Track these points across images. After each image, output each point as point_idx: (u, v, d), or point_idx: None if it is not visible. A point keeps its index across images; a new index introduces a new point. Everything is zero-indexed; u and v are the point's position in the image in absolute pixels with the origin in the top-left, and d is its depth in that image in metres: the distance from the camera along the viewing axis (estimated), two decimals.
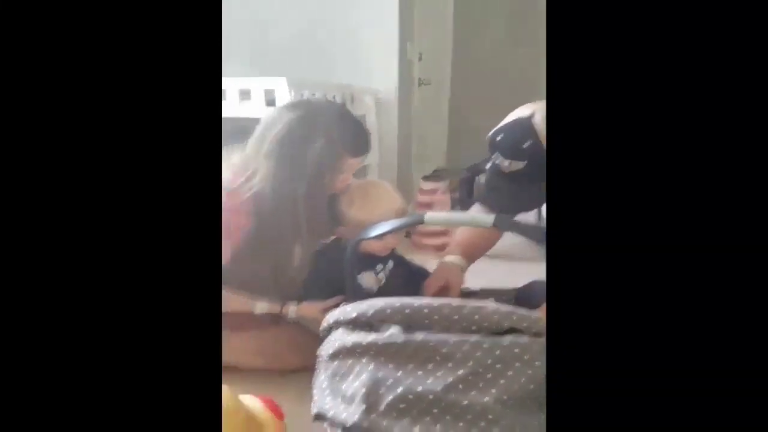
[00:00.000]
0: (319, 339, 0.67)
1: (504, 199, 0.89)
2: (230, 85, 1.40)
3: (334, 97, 1.66)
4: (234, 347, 0.87)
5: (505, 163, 0.84)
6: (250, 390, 0.69)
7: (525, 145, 0.81)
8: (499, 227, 0.67)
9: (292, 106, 0.90)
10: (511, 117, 0.86)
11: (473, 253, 0.98)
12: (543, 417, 0.55)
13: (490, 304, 0.60)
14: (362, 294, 0.94)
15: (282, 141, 0.84)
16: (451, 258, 0.95)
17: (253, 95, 1.39)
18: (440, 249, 1.76)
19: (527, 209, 0.90)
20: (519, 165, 0.82)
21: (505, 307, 0.59)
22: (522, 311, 0.59)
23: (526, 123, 0.81)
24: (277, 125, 0.85)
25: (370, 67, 1.98)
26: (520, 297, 1.03)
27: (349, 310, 0.62)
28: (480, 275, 1.07)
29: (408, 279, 1.08)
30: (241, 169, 0.87)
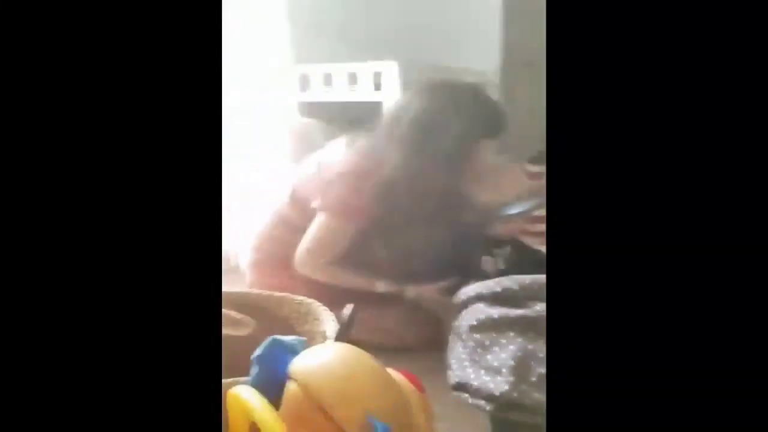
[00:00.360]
0: (451, 314, 0.69)
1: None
2: (338, 69, 1.45)
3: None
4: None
5: None
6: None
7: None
8: None
9: (428, 89, 0.88)
10: None
11: None
12: None
13: None
14: (481, 277, 0.94)
15: (417, 125, 0.83)
16: None
17: (360, 79, 1.42)
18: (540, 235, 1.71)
19: None
20: None
21: None
22: None
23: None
24: (411, 109, 0.85)
25: (470, 48, 1.94)
26: None
27: (492, 284, 0.63)
28: None
29: (526, 264, 1.07)
30: (369, 152, 0.88)
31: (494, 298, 0.63)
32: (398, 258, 0.95)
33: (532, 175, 1.75)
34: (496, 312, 0.61)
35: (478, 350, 0.61)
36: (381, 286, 0.94)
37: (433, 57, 1.91)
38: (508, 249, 1.04)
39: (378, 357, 0.90)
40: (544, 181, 1.80)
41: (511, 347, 0.57)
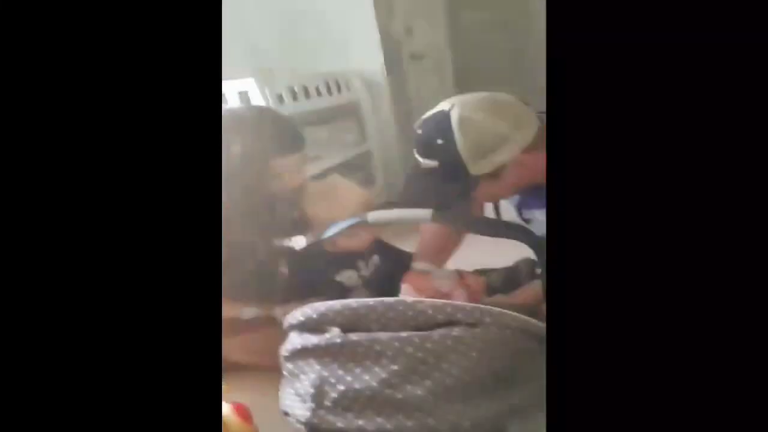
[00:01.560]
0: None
1: (421, 196, 0.81)
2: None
3: (317, 88, 1.67)
4: (226, 347, 0.94)
5: (420, 160, 0.79)
6: (244, 387, 0.74)
7: (438, 143, 0.75)
8: (437, 221, 0.68)
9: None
10: (435, 108, 0.80)
11: (439, 255, 0.98)
12: (488, 404, 0.57)
13: (426, 300, 0.62)
14: (343, 293, 0.98)
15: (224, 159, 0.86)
16: (419, 266, 0.95)
17: (229, 99, 1.42)
18: None
19: (446, 207, 0.77)
20: (432, 163, 0.77)
21: (440, 302, 0.61)
22: (457, 303, 0.61)
23: (442, 118, 0.75)
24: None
25: (352, 50, 1.96)
26: (508, 276, 1.04)
27: (298, 314, 0.66)
28: (476, 253, 1.09)
29: (395, 270, 1.11)
30: None
31: (301, 327, 0.66)
32: (259, 280, 0.98)
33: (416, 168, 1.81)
34: (300, 341, 0.64)
35: (291, 378, 0.65)
36: (247, 312, 0.97)
37: (319, 64, 1.92)
38: (375, 258, 1.08)
39: (251, 378, 0.92)
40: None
41: (312, 375, 0.61)
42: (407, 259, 1.15)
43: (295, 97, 1.52)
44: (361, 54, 1.95)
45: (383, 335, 0.59)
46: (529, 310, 0.71)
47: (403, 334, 0.59)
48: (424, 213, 0.68)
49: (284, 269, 1.00)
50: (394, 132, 2.08)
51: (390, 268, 1.09)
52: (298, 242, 1.05)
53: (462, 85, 2.75)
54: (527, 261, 1.02)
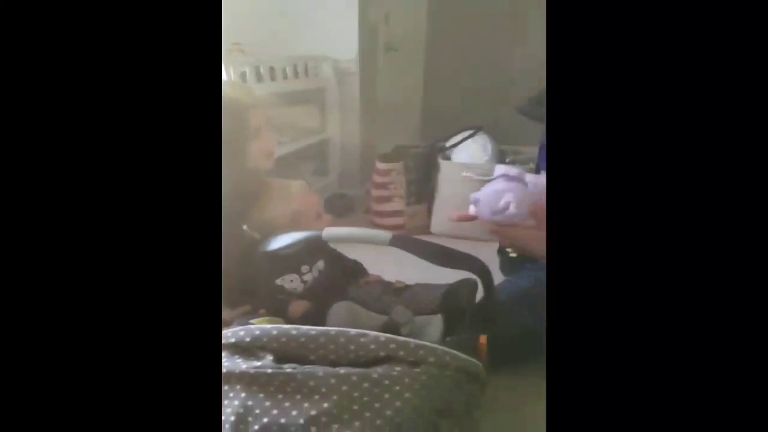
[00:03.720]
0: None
1: (539, 108, 0.82)
2: None
3: (284, 69, 1.58)
4: None
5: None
6: None
7: None
8: (395, 245, 0.65)
9: None
10: None
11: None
12: None
13: (371, 333, 0.59)
14: (284, 297, 0.93)
15: None
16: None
17: None
18: (389, 216, 1.76)
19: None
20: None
21: (384, 336, 0.59)
22: (400, 339, 0.59)
23: None
24: None
25: (330, 33, 1.88)
26: (448, 294, 1.04)
27: (229, 334, 0.61)
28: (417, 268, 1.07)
29: (338, 277, 1.08)
30: None
31: (231, 348, 0.61)
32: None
33: (379, 172, 1.78)
34: (228, 365, 0.59)
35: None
36: None
37: (294, 49, 1.82)
38: (320, 263, 1.04)
39: None
40: (386, 179, 1.81)
41: (235, 402, 0.57)
42: (354, 267, 1.12)
43: (260, 78, 1.43)
44: (336, 40, 1.87)
45: (320, 370, 0.56)
46: (472, 343, 0.71)
47: (341, 370, 0.56)
48: (382, 235, 0.65)
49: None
50: (357, 122, 2.02)
51: (332, 275, 1.06)
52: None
53: (430, 84, 2.74)
54: (471, 280, 1.03)
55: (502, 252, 1.52)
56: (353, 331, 0.59)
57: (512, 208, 0.73)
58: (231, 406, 0.57)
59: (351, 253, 1.13)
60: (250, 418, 0.55)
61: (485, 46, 2.62)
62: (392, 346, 0.58)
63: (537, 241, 0.74)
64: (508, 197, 0.73)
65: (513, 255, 1.44)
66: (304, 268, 0.97)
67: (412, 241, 0.68)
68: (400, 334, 0.62)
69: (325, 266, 1.02)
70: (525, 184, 0.76)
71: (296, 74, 1.65)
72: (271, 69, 1.49)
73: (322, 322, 0.86)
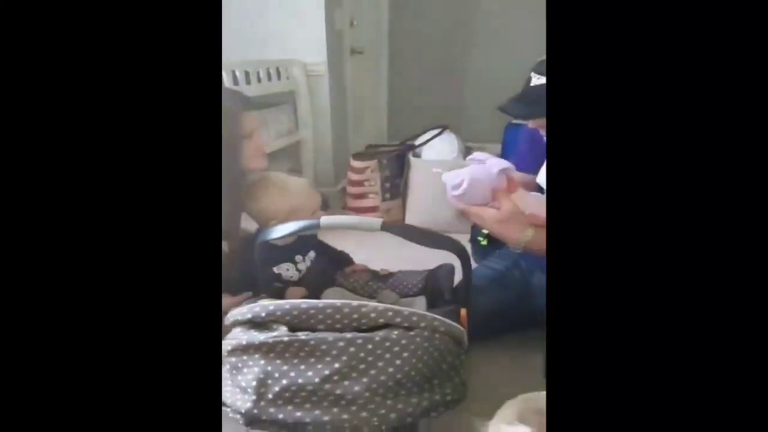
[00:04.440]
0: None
1: (521, 106, 0.90)
2: None
3: (257, 73, 1.64)
4: None
5: (534, 77, 0.87)
6: None
7: None
8: (385, 230, 0.74)
9: None
10: None
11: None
12: (414, 400, 0.65)
13: (371, 303, 0.68)
14: (280, 286, 1.00)
15: None
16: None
17: None
18: (365, 212, 1.84)
19: (537, 116, 0.89)
20: (542, 80, 0.85)
21: (382, 306, 0.68)
22: (397, 308, 0.68)
23: None
24: None
25: (299, 39, 1.95)
26: (430, 277, 1.14)
27: (245, 311, 0.69)
28: (400, 256, 1.16)
29: (329, 266, 1.16)
30: None
31: (246, 323, 0.69)
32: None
33: (354, 170, 1.87)
34: (245, 338, 0.67)
35: (233, 371, 0.67)
36: None
37: (265, 54, 1.87)
38: (311, 254, 1.12)
39: None
40: (362, 177, 1.89)
41: (255, 369, 0.64)
42: (341, 257, 1.20)
43: (235, 81, 1.48)
44: (304, 45, 1.94)
45: (330, 335, 0.64)
46: (455, 315, 0.81)
47: (348, 335, 0.64)
48: (374, 222, 0.74)
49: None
50: (328, 123, 2.10)
51: (324, 265, 1.14)
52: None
53: (395, 85, 2.85)
54: (448, 266, 1.13)
55: (473, 241, 1.64)
56: (355, 302, 0.67)
57: (465, 184, 0.81)
58: (251, 372, 0.65)
59: (338, 245, 1.21)
60: (269, 381, 0.63)
61: (444, 49, 2.76)
62: (390, 313, 0.67)
63: (496, 221, 0.83)
64: (463, 175, 0.82)
65: (483, 243, 1.57)
66: (298, 258, 1.05)
67: (400, 226, 0.77)
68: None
69: (316, 256, 1.10)
70: (484, 164, 0.84)
71: (269, 77, 1.71)
72: (246, 73, 1.55)
73: None
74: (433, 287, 1.11)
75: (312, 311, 0.66)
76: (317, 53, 1.97)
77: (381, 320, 0.67)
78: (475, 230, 1.57)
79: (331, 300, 0.67)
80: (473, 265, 1.35)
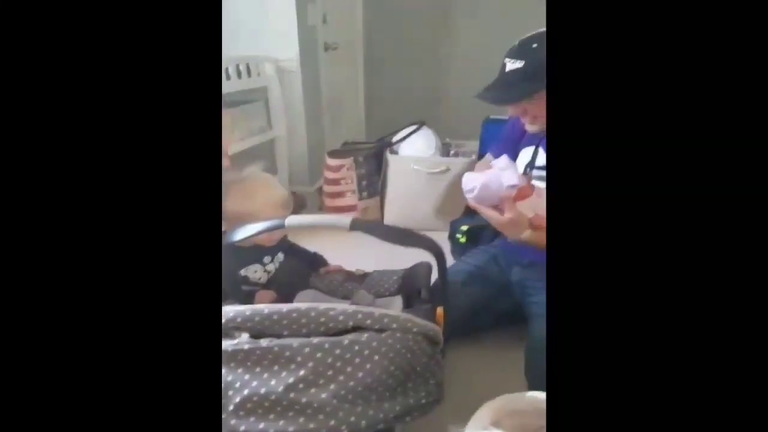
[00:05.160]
0: None
1: (498, 92, 0.94)
2: None
3: (227, 69, 1.58)
4: None
5: (508, 62, 0.91)
6: None
7: (533, 46, 0.88)
8: (354, 229, 0.71)
9: None
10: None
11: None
12: (386, 405, 0.61)
13: (339, 306, 0.64)
14: (248, 289, 0.96)
15: None
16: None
17: None
18: (343, 211, 1.81)
19: (514, 101, 0.94)
20: (518, 65, 0.90)
21: (351, 308, 0.64)
22: (366, 310, 0.65)
23: (542, 31, 0.89)
24: None
25: (270, 35, 1.89)
26: (406, 276, 1.11)
27: None
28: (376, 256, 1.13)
29: (301, 267, 1.11)
30: None
31: None
32: None
33: (330, 168, 1.83)
34: None
35: None
36: None
37: (234, 51, 1.81)
38: (279, 255, 1.07)
39: None
40: (338, 175, 1.86)
41: None
42: (314, 258, 1.16)
43: None
44: (276, 41, 1.89)
45: (295, 341, 0.60)
46: (430, 314, 0.78)
47: (314, 339, 0.61)
48: (343, 220, 0.70)
49: None
50: (303, 120, 2.05)
51: (294, 266, 1.09)
52: None
53: (371, 81, 2.81)
54: (425, 264, 1.10)
55: (452, 238, 1.62)
56: (323, 305, 0.64)
57: (476, 191, 0.90)
58: None
59: (311, 246, 1.17)
60: (230, 392, 0.59)
61: (418, 44, 2.73)
62: (359, 316, 0.64)
63: (498, 223, 0.91)
64: (476, 182, 0.90)
65: (462, 240, 1.55)
66: (266, 259, 1.01)
67: (371, 225, 0.73)
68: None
69: (285, 257, 1.06)
70: (498, 177, 0.91)
71: (239, 74, 1.66)
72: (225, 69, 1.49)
73: None
74: (410, 286, 1.08)
75: (275, 317, 0.62)
76: (289, 49, 1.92)
77: (350, 323, 0.63)
78: (454, 227, 1.54)
79: (297, 304, 0.63)
80: (452, 261, 1.34)
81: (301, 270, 1.10)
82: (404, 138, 1.81)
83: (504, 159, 0.95)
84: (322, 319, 0.63)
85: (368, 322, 0.64)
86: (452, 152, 1.81)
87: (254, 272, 0.99)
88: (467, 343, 1.11)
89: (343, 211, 1.81)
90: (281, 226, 0.72)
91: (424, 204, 1.75)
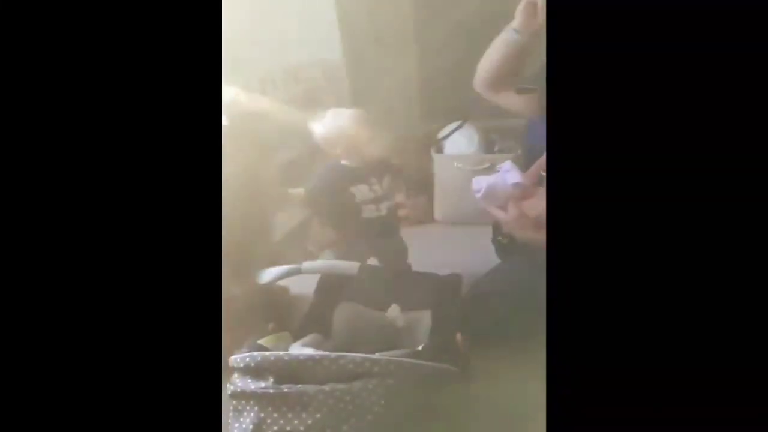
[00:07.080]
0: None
1: None
2: None
3: (275, 81, 1.67)
4: None
5: None
6: None
7: None
8: (362, 275, 0.80)
9: None
10: None
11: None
12: None
13: (348, 355, 0.74)
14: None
15: None
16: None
17: None
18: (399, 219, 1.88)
19: None
20: None
21: (360, 357, 0.73)
22: (374, 357, 0.73)
23: None
24: None
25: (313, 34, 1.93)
26: (435, 290, 1.16)
27: (238, 360, 0.77)
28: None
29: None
30: None
31: (243, 370, 0.77)
32: None
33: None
34: (241, 384, 0.76)
35: (235, 413, 0.77)
36: None
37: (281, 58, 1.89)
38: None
39: None
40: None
41: (252, 414, 0.73)
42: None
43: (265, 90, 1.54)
44: (319, 39, 1.93)
45: (310, 388, 0.71)
46: (447, 349, 0.84)
47: (326, 387, 0.71)
48: (351, 265, 0.80)
49: None
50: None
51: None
52: None
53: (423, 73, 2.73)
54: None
55: (495, 240, 1.64)
56: (334, 354, 0.73)
57: (482, 192, 0.94)
58: (249, 416, 0.74)
59: None
60: (264, 427, 0.72)
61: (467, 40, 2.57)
62: (367, 364, 0.73)
63: (505, 223, 0.95)
64: (483, 183, 0.94)
65: (504, 242, 1.56)
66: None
67: (375, 269, 0.82)
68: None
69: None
70: (504, 178, 0.94)
71: (289, 82, 1.75)
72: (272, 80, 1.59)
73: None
74: (440, 300, 1.14)
75: (295, 363, 0.74)
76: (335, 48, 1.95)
77: (359, 370, 0.73)
78: (496, 231, 1.56)
79: (311, 353, 0.74)
80: (497, 261, 1.38)
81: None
82: (448, 135, 1.82)
83: (509, 163, 0.98)
84: (334, 368, 0.73)
85: (375, 369, 0.73)
86: (497, 149, 1.79)
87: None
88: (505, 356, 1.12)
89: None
90: (297, 271, 0.83)
91: (473, 200, 1.75)
